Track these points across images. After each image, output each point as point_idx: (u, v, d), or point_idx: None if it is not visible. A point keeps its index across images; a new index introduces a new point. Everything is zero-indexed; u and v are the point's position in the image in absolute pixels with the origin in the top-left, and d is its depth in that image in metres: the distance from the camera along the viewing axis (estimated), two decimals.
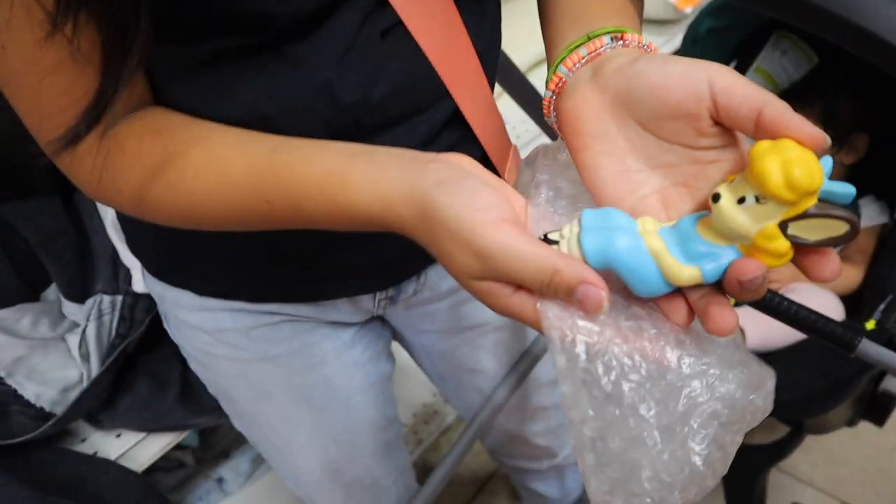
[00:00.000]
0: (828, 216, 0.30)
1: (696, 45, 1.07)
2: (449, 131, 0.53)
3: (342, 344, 0.69)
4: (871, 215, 1.15)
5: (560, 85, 0.40)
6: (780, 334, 0.99)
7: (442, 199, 0.34)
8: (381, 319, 0.77)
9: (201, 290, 0.61)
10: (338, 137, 0.47)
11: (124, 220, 0.64)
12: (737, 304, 1.08)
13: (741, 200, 0.31)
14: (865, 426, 1.22)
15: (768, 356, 1.00)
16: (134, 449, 0.91)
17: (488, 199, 0.34)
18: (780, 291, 1.04)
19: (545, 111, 0.41)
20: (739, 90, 0.32)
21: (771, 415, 1.04)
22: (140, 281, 0.81)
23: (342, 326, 0.69)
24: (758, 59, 1.19)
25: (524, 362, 0.74)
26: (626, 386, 0.32)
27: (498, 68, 0.59)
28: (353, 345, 0.71)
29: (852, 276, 1.07)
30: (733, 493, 1.21)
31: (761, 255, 0.31)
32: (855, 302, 1.04)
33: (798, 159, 0.29)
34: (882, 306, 0.96)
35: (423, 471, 1.47)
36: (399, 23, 0.46)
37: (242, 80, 0.44)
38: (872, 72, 1.11)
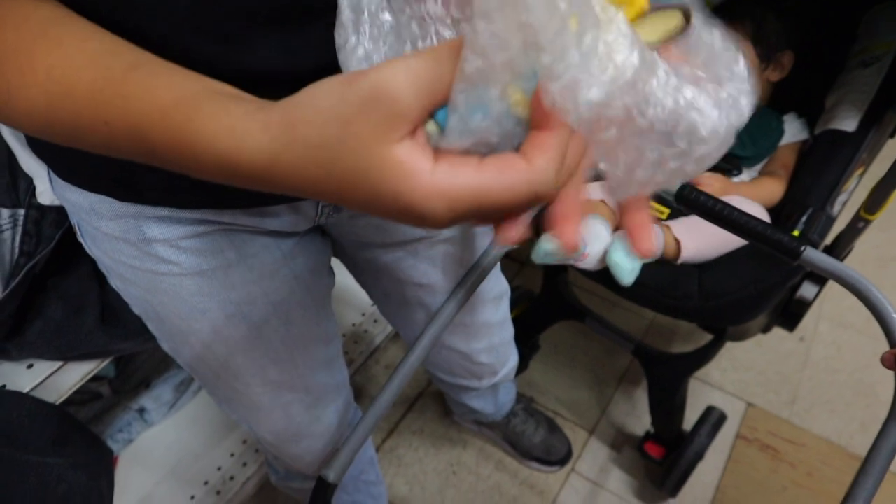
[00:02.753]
0: (663, 7, 0.29)
1: None
2: None
3: (283, 256, 0.65)
4: (794, 132, 1.18)
5: None
6: (713, 245, 1.01)
7: (307, 93, 0.29)
8: (321, 231, 0.72)
9: (121, 194, 0.54)
10: (278, 19, 0.40)
11: None
12: (676, 216, 1.09)
13: None
14: (766, 335, 1.30)
15: (702, 267, 1.03)
16: (49, 380, 0.83)
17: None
18: None
19: None
20: None
21: (699, 323, 1.08)
22: (45, 192, 0.71)
23: (283, 237, 0.64)
24: None
25: (475, 273, 0.71)
26: None
27: None
28: (295, 257, 0.66)
29: (776, 189, 1.11)
30: (658, 399, 1.27)
31: None
32: (779, 214, 1.08)
33: None
34: (804, 218, 1.00)
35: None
36: None
37: None
38: None
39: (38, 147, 0.56)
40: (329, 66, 0.43)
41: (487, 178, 0.28)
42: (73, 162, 0.54)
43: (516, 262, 1.81)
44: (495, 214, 0.29)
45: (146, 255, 0.58)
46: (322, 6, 0.42)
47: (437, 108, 0.29)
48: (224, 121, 0.31)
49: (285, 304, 0.67)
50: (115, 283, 0.65)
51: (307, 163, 0.29)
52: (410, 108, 0.27)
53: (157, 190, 0.54)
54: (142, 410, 1.30)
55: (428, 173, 0.28)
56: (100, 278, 0.79)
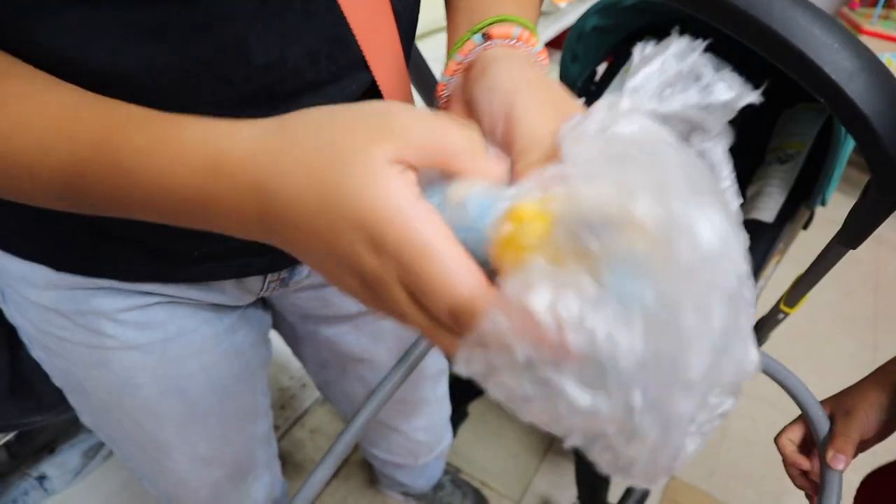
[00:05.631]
0: None
1: (581, 41, 1.09)
2: None
3: (224, 329, 0.62)
4: None
5: (443, 93, 0.42)
6: None
7: (304, 122, 0.29)
8: (263, 302, 0.70)
9: (59, 263, 0.51)
10: (246, 104, 0.41)
11: None
12: None
13: None
14: None
15: None
16: None
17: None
18: None
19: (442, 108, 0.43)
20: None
21: None
22: None
23: (225, 310, 0.62)
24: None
25: (417, 349, 0.71)
26: None
27: None
28: (235, 330, 0.64)
29: None
30: (585, 472, 1.27)
31: None
32: None
33: None
34: None
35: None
36: None
37: (134, 29, 0.35)
38: None
39: None
40: None
41: (448, 248, 0.26)
42: (8, 227, 0.51)
43: None
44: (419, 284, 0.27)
45: (79, 328, 0.55)
46: (287, 93, 0.43)
47: (431, 176, 0.29)
48: (203, 137, 0.31)
49: (223, 379, 0.64)
50: (37, 353, 0.61)
51: (291, 149, 0.28)
52: (413, 133, 0.27)
53: (99, 261, 0.51)
54: (42, 478, 1.19)
55: (409, 200, 0.26)
56: (11, 345, 0.73)
